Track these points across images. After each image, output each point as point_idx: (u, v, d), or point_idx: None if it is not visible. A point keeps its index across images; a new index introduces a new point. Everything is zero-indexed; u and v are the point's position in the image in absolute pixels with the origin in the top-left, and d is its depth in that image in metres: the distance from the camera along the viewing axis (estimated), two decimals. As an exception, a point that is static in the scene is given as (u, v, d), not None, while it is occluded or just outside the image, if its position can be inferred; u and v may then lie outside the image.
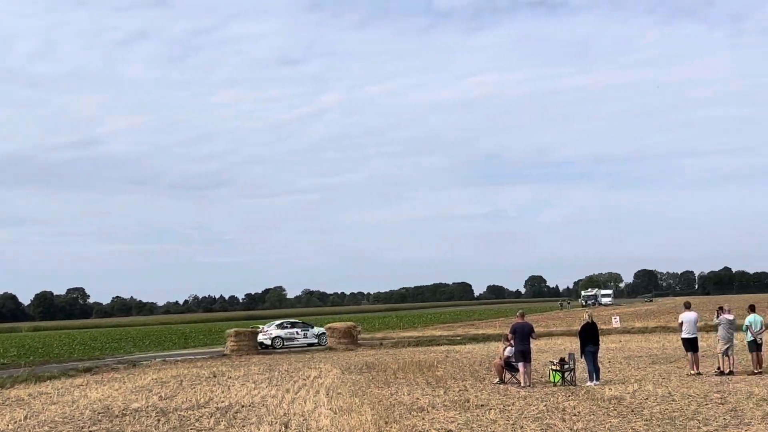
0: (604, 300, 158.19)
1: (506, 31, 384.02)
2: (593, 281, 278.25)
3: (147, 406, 23.13)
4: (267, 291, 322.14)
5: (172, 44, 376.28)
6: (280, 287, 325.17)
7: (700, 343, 26.97)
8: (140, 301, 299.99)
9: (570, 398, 21.20)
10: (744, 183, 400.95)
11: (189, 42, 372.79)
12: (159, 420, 20.36)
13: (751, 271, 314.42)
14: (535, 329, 26.35)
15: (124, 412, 22.21)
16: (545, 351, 36.54)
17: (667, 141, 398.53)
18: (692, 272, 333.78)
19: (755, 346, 25.31)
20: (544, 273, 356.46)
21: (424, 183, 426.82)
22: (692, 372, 25.48)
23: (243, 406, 22.23)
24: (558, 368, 24.93)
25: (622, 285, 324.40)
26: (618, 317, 60.75)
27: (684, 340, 26.26)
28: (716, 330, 26.15)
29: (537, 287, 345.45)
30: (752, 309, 26.16)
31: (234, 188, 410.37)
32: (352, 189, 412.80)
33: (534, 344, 26.43)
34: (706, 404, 19.10)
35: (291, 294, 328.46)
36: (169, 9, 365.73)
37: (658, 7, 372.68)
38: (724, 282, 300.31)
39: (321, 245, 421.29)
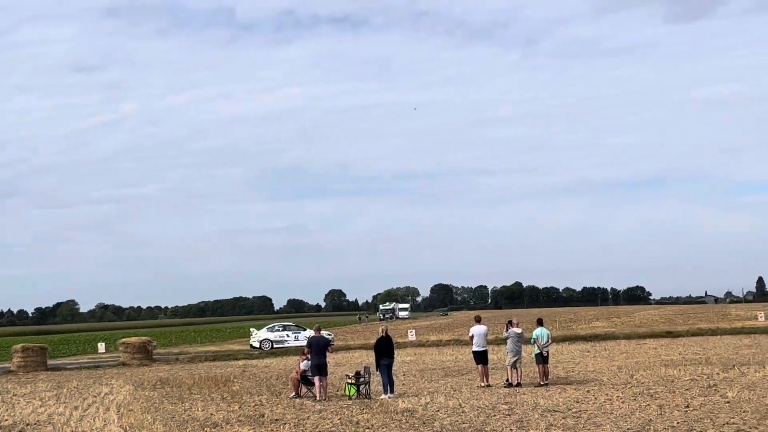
0: (402, 314, 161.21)
1: (310, 46, 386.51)
2: (391, 295, 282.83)
3: None
4: (59, 305, 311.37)
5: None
6: (73, 301, 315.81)
7: (490, 356, 27.82)
8: None
9: (364, 411, 21.43)
10: (535, 201, 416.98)
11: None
12: (-66, 441, 19.30)
13: (541, 286, 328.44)
14: (333, 343, 26.53)
15: None
16: (342, 364, 36.84)
17: (463, 159, 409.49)
18: (486, 287, 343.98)
19: (542, 358, 26.27)
20: (344, 287, 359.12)
21: (224, 195, 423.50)
22: (482, 384, 26.25)
23: (28, 425, 21.34)
24: (353, 381, 25.18)
25: (419, 299, 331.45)
26: (414, 331, 61.87)
27: (474, 353, 27.01)
28: (506, 343, 27.05)
29: (337, 301, 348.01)
30: (540, 323, 27.18)
31: (25, 198, 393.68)
32: (149, 201, 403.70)
33: (331, 358, 26.59)
34: (495, 415, 19.69)
35: (84, 308, 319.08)
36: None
37: (455, 29, 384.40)
38: (516, 296, 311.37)
39: (116, 258, 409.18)
